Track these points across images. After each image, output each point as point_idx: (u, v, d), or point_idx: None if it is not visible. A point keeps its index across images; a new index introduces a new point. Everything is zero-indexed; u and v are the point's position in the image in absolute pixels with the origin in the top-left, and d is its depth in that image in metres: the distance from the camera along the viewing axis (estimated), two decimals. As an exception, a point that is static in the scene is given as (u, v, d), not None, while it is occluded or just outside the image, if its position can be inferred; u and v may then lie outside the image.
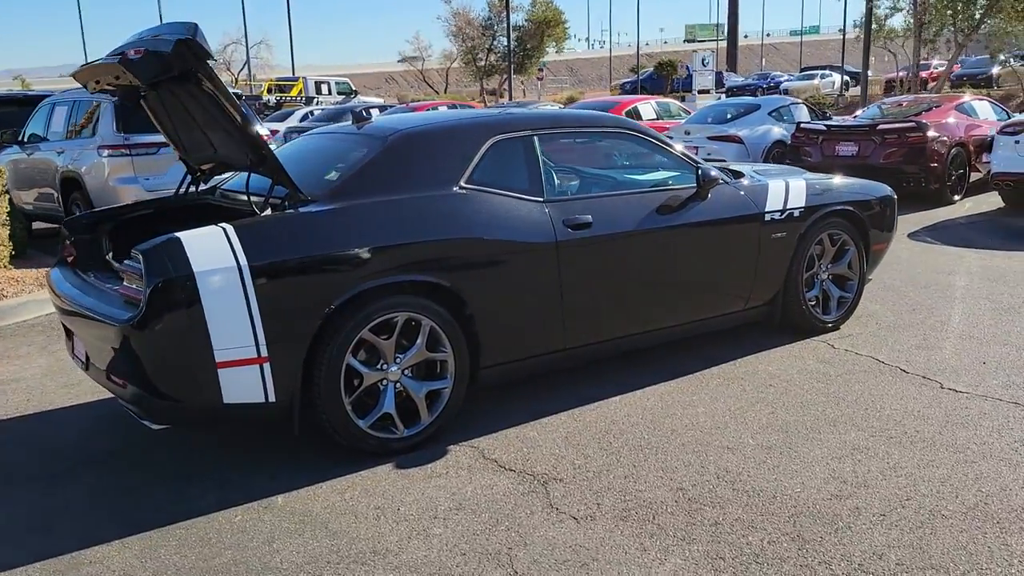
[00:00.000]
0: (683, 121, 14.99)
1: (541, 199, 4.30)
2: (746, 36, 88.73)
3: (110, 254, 4.35)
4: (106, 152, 8.98)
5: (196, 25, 3.47)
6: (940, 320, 5.74)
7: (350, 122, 5.02)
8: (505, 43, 39.57)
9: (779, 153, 12.71)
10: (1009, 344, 5.17)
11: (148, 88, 3.89)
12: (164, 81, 3.70)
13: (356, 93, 33.60)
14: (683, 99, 30.60)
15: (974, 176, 11.29)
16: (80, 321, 3.83)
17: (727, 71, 53.01)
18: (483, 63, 42.93)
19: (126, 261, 3.63)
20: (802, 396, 4.45)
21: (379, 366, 3.87)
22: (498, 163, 4.29)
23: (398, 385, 3.92)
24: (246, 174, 4.50)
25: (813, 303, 5.44)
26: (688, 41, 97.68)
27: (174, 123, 4.30)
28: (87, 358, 3.89)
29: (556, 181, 4.50)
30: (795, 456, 3.75)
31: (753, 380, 4.71)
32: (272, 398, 3.63)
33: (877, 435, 3.93)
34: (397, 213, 3.91)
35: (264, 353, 3.56)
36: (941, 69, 43.55)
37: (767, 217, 5.07)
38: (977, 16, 27.36)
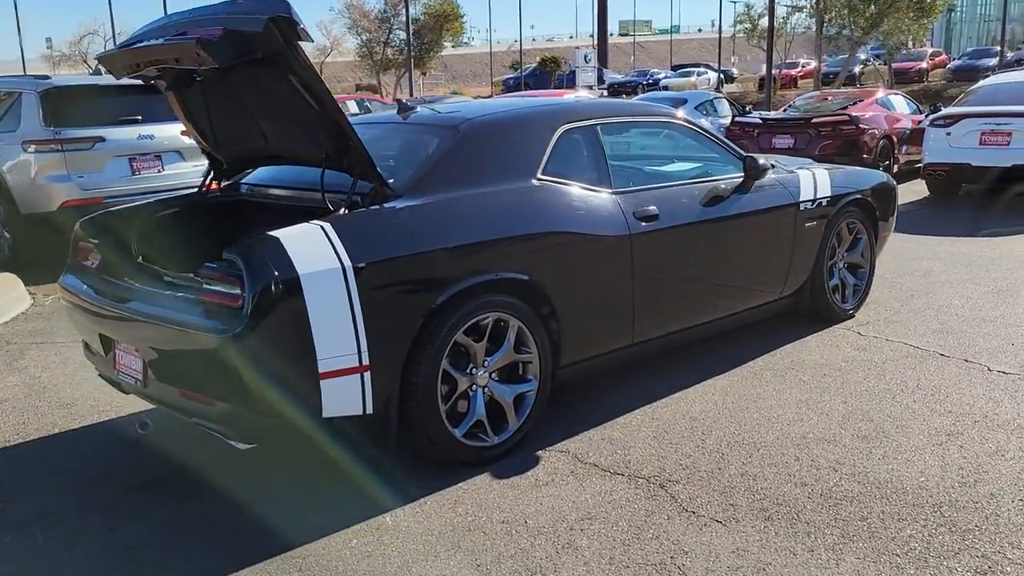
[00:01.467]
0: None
1: (610, 190, 4.14)
2: (612, 35, 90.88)
3: (140, 257, 3.92)
4: (32, 148, 8.19)
5: (288, 1, 3.12)
6: (942, 305, 5.90)
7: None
8: (403, 37, 38.94)
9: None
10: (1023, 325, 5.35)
11: (208, 72, 3.50)
12: (237, 64, 3.33)
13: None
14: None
15: (894, 168, 11.80)
16: (140, 332, 3.42)
17: (604, 68, 53.97)
18: (380, 57, 42.11)
19: (207, 264, 3.25)
20: (864, 384, 4.45)
21: (468, 371, 3.62)
22: (568, 153, 4.11)
23: (486, 390, 3.68)
24: (282, 167, 4.19)
25: (834, 291, 5.50)
26: (623, 35, 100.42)
27: (215, 111, 3.91)
28: (144, 374, 3.47)
29: (619, 172, 4.35)
30: (895, 445, 3.73)
31: (805, 370, 4.69)
32: (370, 409, 3.33)
33: (961, 420, 3.96)
34: (486, 207, 3.67)
35: (365, 361, 3.26)
36: (809, 67, 45.75)
37: (802, 206, 5.08)
38: (873, 14, 28.75)
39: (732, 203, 4.66)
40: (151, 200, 4.35)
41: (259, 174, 4.39)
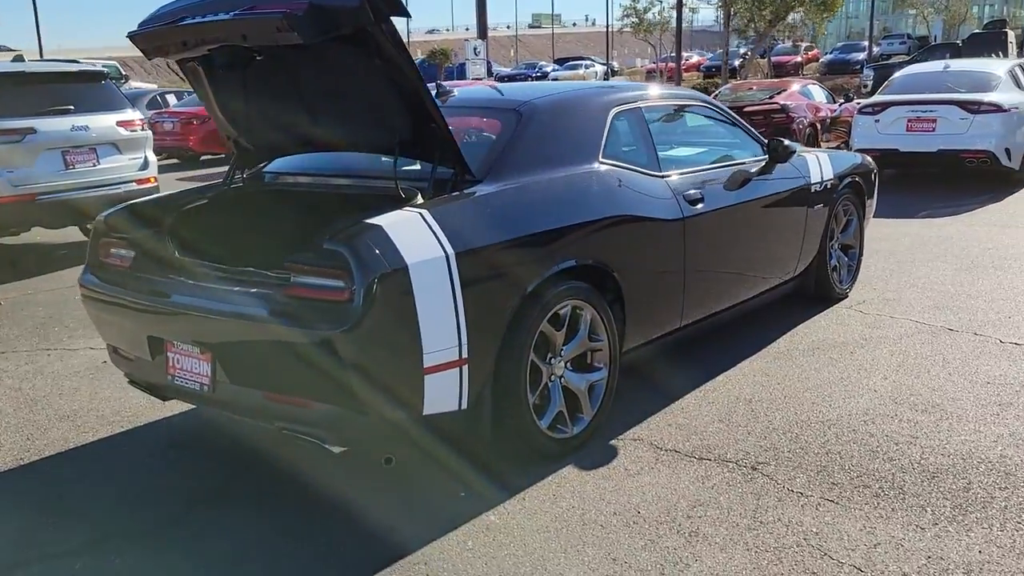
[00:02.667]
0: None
1: (660, 174, 4.09)
2: (495, 28, 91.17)
3: (176, 252, 3.62)
4: (-48, 141, 7.52)
5: None
6: (925, 283, 6.12)
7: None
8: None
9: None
10: (1012, 298, 5.60)
11: (273, 50, 3.24)
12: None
13: (127, 78, 30.44)
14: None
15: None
16: (212, 332, 3.14)
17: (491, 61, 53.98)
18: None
19: (296, 256, 3.00)
20: (893, 361, 4.56)
21: (548, 361, 3.51)
22: (621, 136, 4.05)
23: (562, 380, 3.57)
24: (312, 155, 3.96)
25: (832, 271, 5.62)
26: (532, 27, 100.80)
27: (259, 94, 3.63)
28: (212, 378, 3.20)
29: (664, 155, 4.30)
30: (955, 417, 3.82)
31: (830, 349, 4.76)
32: (464, 404, 3.17)
33: (1004, 390, 4.09)
34: (563, 191, 3.56)
35: (465, 354, 3.10)
36: (692, 60, 47.07)
37: (812, 188, 5.16)
38: (778, 6, 29.67)
39: (760, 185, 4.69)
40: (173, 192, 4.01)
41: (286, 163, 4.12)
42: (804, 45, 45.85)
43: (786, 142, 4.78)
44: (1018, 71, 10.92)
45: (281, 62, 3.35)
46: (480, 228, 3.18)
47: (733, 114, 4.90)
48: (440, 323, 2.99)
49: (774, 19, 30.30)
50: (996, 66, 11.02)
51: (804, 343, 4.89)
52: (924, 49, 33.05)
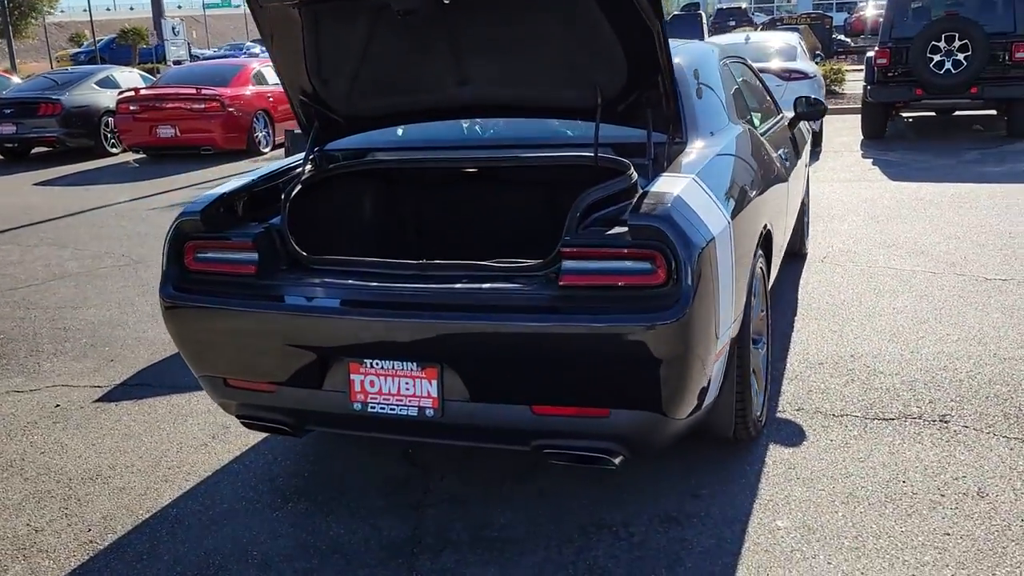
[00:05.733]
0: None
1: (760, 132, 3.94)
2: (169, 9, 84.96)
3: (346, 249, 2.95)
4: None
5: None
6: (864, 234, 6.48)
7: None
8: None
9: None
10: (990, 244, 6.02)
11: None
12: None
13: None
14: (158, 71, 28.05)
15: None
16: (450, 339, 2.51)
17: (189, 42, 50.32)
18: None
19: (578, 237, 2.47)
20: (934, 308, 4.66)
21: (746, 338, 3.24)
22: (735, 93, 3.83)
23: (750, 354, 3.33)
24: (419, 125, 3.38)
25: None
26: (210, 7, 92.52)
27: (410, 48, 2.98)
28: (441, 397, 2.57)
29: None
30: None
31: (856, 306, 4.82)
32: (717, 392, 2.82)
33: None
34: (746, 151, 3.29)
35: (732, 335, 2.76)
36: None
37: (806, 145, 5.26)
38: None
39: (794, 140, 4.69)
40: (258, 179, 3.18)
41: (390, 136, 3.48)
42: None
43: (812, 97, 4.81)
44: (800, 43, 11.98)
45: (467, 8, 2.76)
46: (732, 192, 2.85)
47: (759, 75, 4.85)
48: (726, 304, 2.63)
49: None
50: (791, 38, 11.99)
51: (823, 303, 4.90)
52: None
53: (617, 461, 2.58)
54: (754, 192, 3.11)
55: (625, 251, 2.41)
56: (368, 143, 3.51)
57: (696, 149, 2.99)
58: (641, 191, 2.54)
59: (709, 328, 2.50)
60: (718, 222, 2.59)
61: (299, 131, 5.05)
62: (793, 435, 3.34)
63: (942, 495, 2.87)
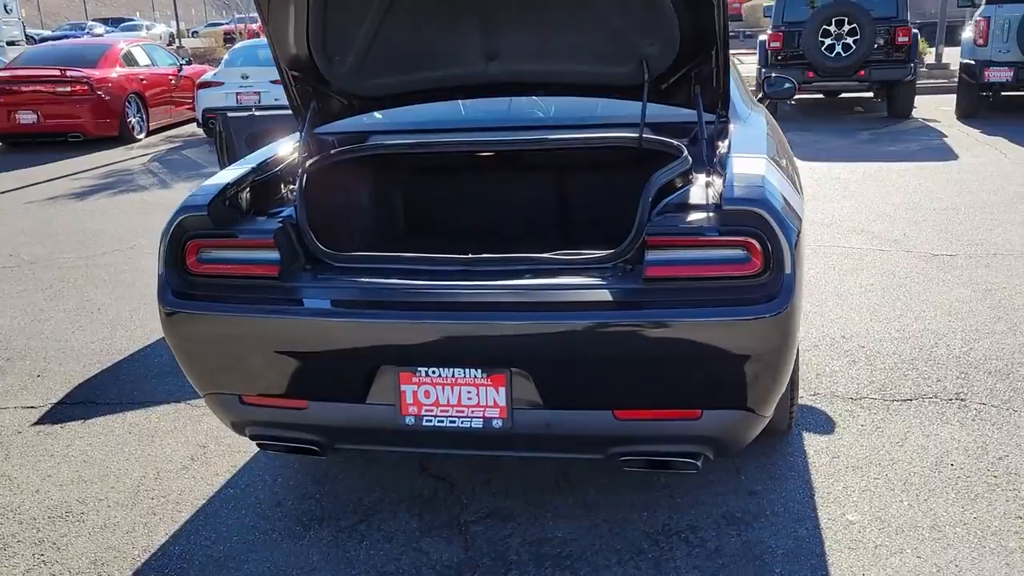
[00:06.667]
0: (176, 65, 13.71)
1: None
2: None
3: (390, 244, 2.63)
4: None
5: None
6: (821, 218, 6.53)
7: None
8: None
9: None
10: (923, 220, 6.20)
11: None
12: None
13: None
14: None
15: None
16: (519, 343, 2.25)
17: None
18: None
19: (663, 224, 2.24)
20: (911, 286, 4.76)
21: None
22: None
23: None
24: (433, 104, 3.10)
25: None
26: None
27: (424, 19, 2.67)
28: (509, 406, 2.30)
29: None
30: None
31: (837, 282, 4.88)
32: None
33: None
34: (779, 133, 3.17)
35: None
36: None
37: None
38: None
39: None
40: (256, 167, 2.77)
41: (400, 116, 3.15)
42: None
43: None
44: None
45: None
46: (789, 173, 2.69)
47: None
48: (799, 291, 2.47)
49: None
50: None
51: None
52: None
53: (697, 467, 2.39)
54: (796, 175, 2.99)
55: (720, 239, 2.21)
56: (359, 126, 3.18)
57: (742, 130, 2.83)
58: (719, 174, 2.35)
59: (800, 318, 2.34)
60: (800, 205, 2.44)
61: (234, 115, 4.63)
62: (821, 422, 3.25)
63: (995, 476, 2.83)
